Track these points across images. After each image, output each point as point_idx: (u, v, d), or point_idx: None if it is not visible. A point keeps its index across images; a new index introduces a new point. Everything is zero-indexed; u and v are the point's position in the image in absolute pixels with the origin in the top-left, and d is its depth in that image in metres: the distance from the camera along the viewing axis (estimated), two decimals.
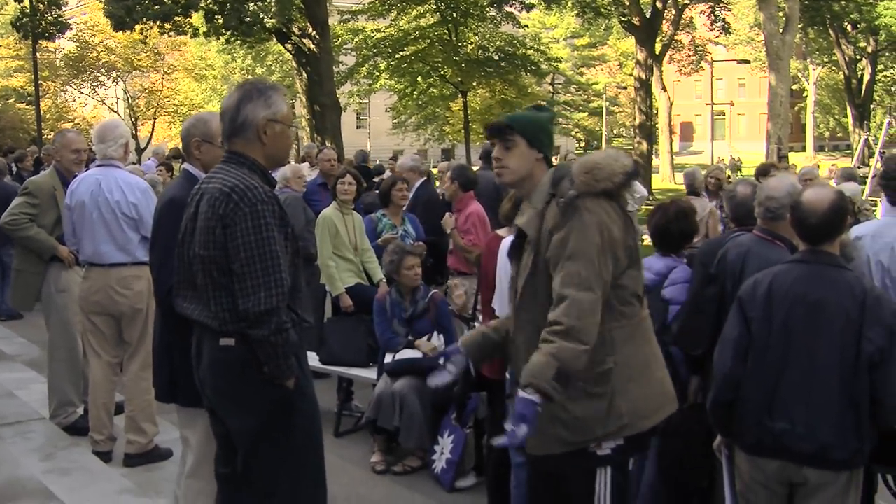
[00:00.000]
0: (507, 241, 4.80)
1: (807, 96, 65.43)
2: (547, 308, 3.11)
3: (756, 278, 3.82)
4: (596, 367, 3.14)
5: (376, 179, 12.31)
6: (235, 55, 46.39)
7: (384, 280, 7.62)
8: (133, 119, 46.95)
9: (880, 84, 51.05)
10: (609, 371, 3.16)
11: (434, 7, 37.55)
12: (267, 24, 25.44)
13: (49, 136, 31.67)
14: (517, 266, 3.38)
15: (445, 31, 38.78)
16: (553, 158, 3.49)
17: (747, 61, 49.85)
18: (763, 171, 10.04)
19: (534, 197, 3.30)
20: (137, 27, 25.92)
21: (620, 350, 3.19)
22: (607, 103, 65.10)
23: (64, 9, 31.59)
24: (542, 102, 4.12)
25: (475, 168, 9.63)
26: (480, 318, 5.45)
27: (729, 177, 22.85)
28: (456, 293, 6.64)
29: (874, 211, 9.91)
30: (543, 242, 3.18)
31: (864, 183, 17.09)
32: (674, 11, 38.34)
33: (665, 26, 38.68)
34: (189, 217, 3.58)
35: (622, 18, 36.28)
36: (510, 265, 3.48)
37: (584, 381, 3.13)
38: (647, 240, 5.52)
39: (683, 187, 10.93)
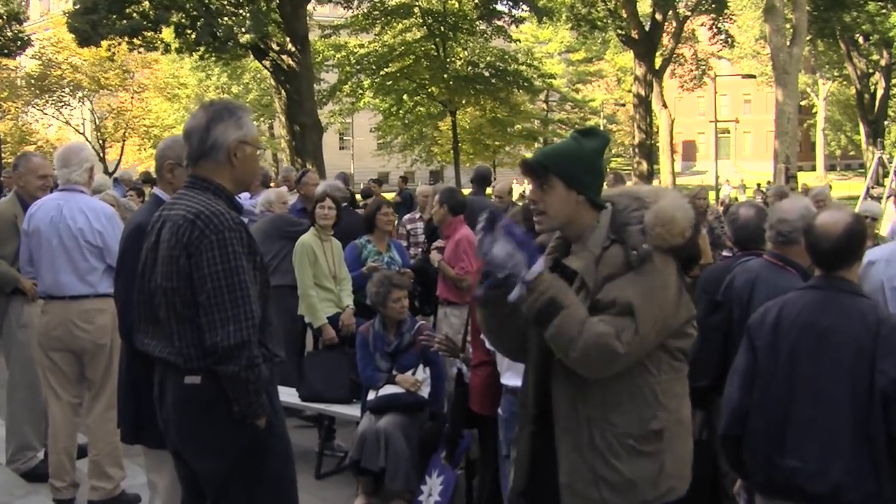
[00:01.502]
0: None
1: (816, 112, 65.87)
2: None
3: (766, 305, 3.80)
4: (647, 425, 3.07)
5: (361, 204, 12.34)
6: (210, 73, 46.59)
7: (351, 307, 7.63)
8: (100, 141, 47.03)
9: (894, 99, 51.38)
10: (662, 430, 3.09)
11: (420, 21, 37.82)
12: (241, 40, 25.52)
13: (9, 161, 31.60)
14: None
15: (432, 46, 38.99)
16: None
17: (753, 76, 50.12)
18: (780, 195, 10.10)
19: (590, 239, 3.13)
20: (104, 43, 26.01)
21: (670, 405, 3.13)
22: (605, 121, 65.38)
23: (25, 24, 31.68)
24: (592, 126, 3.90)
25: (466, 192, 9.63)
26: (470, 350, 5.42)
27: (736, 199, 22.90)
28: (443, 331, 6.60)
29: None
30: (596, 289, 3.05)
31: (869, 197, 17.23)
32: (675, 24, 38.62)
33: (665, 39, 38.97)
34: (150, 247, 3.56)
35: (620, 31, 36.58)
36: None
37: (634, 438, 3.06)
38: None
39: None
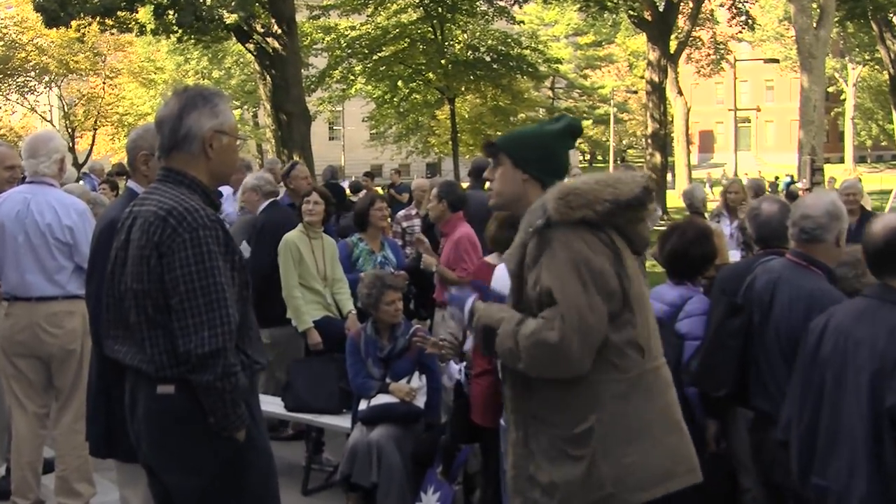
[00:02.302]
0: (501, 269, 4.79)
1: (845, 100, 65.97)
2: None
3: (829, 310, 3.87)
4: (576, 426, 3.12)
5: (354, 199, 12.31)
6: (189, 56, 46.56)
7: (353, 311, 7.61)
8: (70, 130, 47.00)
9: None
10: (590, 430, 3.11)
11: (416, 1, 37.80)
12: (227, 21, 25.50)
13: None
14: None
15: (429, 28, 39.02)
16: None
17: (776, 60, 50.27)
18: (756, 189, 10.19)
19: (524, 223, 3.29)
20: (73, 23, 25.91)
21: (608, 407, 3.13)
22: (615, 110, 65.45)
23: None
24: (564, 114, 4.06)
25: (464, 185, 9.63)
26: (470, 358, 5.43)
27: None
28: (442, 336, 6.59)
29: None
30: (526, 278, 3.22)
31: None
32: (691, 4, 38.61)
33: (681, 21, 38.94)
34: (119, 245, 3.56)
35: (631, 13, 36.53)
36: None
37: (564, 440, 3.14)
38: (653, 264, 5.56)
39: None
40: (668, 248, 5.25)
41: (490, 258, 5.66)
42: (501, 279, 4.44)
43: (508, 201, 3.46)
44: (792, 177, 36.87)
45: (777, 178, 42.93)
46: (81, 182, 14.29)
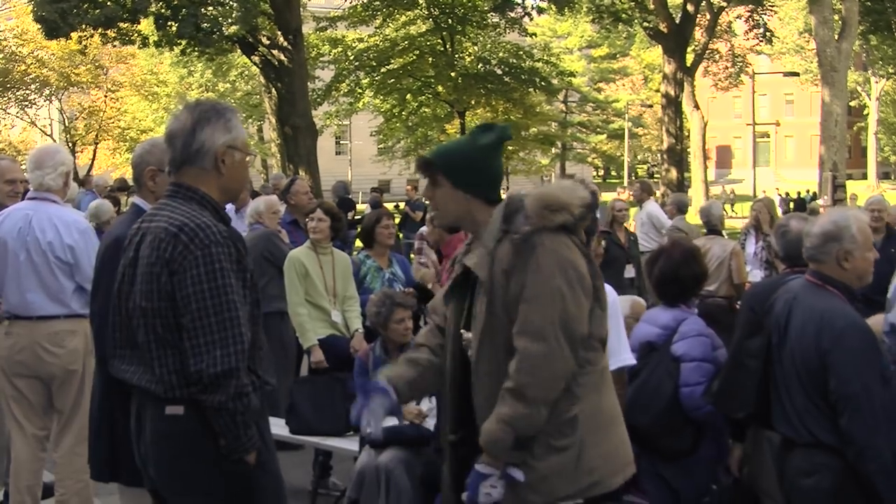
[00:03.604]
0: None
1: (868, 114, 65.83)
2: (508, 358, 3.29)
3: None
4: (559, 417, 3.31)
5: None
6: (192, 69, 46.70)
7: (361, 330, 7.61)
8: (70, 144, 47.18)
9: None
10: (574, 419, 3.33)
11: (426, 12, 37.86)
12: (228, 33, 25.59)
13: None
14: (457, 309, 3.55)
15: (439, 40, 39.06)
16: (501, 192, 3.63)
17: (796, 74, 50.25)
18: (678, 204, 10.32)
19: (484, 235, 3.44)
20: (74, 35, 26.05)
21: (586, 399, 3.37)
22: (630, 124, 65.47)
23: None
24: (490, 122, 4.11)
25: None
26: None
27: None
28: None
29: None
30: (497, 285, 3.34)
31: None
32: (708, 16, 38.66)
33: (698, 33, 39.00)
34: (127, 262, 3.57)
35: (647, 25, 36.61)
36: (444, 307, 3.67)
37: (547, 433, 3.29)
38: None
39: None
40: (657, 272, 5.24)
41: None
42: None
43: (455, 220, 3.57)
44: (813, 193, 36.83)
45: (787, 193, 42.85)
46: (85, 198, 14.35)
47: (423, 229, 10.75)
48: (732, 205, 45.45)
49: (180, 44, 26.30)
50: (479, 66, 40.00)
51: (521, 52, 41.00)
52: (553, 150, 53.99)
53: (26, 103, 46.51)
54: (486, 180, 3.51)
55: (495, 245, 3.38)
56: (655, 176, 48.09)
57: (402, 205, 20.99)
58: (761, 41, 42.26)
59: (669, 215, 12.31)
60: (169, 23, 25.10)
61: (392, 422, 6.30)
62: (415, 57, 39.16)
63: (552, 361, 3.24)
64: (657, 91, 48.02)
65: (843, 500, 4.12)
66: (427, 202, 2.89)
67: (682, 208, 12.48)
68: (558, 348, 3.24)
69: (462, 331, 3.51)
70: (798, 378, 4.27)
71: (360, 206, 25.26)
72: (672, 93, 36.31)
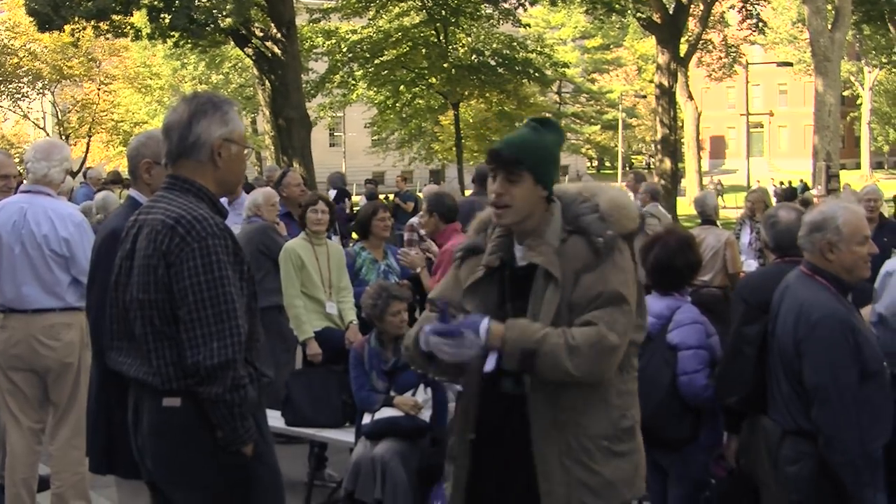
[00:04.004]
0: None
1: (861, 104, 65.96)
2: None
3: None
4: (618, 423, 3.36)
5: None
6: (185, 62, 46.60)
7: (355, 322, 7.62)
8: (64, 137, 46.97)
9: None
10: (632, 427, 3.39)
11: (419, 4, 37.84)
12: (222, 25, 25.54)
13: None
14: (488, 305, 3.42)
15: (433, 31, 39.02)
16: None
17: (789, 64, 50.28)
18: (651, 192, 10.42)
19: (547, 233, 3.38)
20: (67, 27, 25.98)
21: (633, 403, 3.44)
22: (624, 115, 65.49)
23: None
24: (546, 114, 4.02)
25: (468, 193, 9.62)
26: None
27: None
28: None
29: None
30: (567, 285, 3.29)
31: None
32: (702, 6, 38.63)
33: (691, 24, 38.96)
34: (124, 255, 3.57)
35: (640, 15, 36.55)
36: (458, 298, 3.51)
37: (607, 439, 3.32)
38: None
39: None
40: (652, 260, 5.25)
41: None
42: None
43: (526, 217, 3.39)
44: (805, 183, 36.87)
45: (782, 182, 42.91)
46: (82, 189, 14.38)
47: (413, 220, 10.78)
48: (721, 195, 45.42)
49: (173, 36, 26.24)
50: (472, 58, 39.99)
51: (515, 43, 40.97)
52: None
53: (19, 96, 46.39)
54: (554, 175, 3.45)
55: (560, 244, 3.35)
56: (653, 167, 48.06)
57: (391, 196, 21.00)
58: (755, 31, 42.23)
59: (642, 203, 12.34)
60: (162, 15, 25.04)
61: (390, 412, 6.35)
62: (408, 48, 39.13)
63: (611, 359, 3.23)
64: (651, 81, 47.99)
65: (823, 487, 4.16)
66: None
67: (654, 196, 12.54)
68: (621, 350, 3.25)
69: None
70: (782, 364, 4.33)
71: (355, 198, 25.26)
72: (666, 83, 36.23)
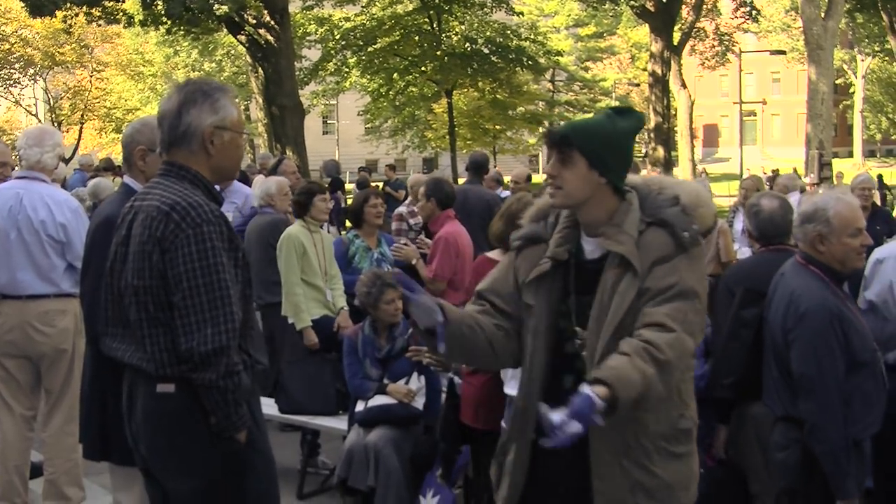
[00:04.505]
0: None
1: (854, 92, 65.91)
2: None
3: None
4: (677, 424, 3.24)
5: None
6: (178, 49, 46.48)
7: (346, 308, 7.62)
8: (56, 124, 46.90)
9: None
10: (690, 429, 3.28)
11: None
12: (218, 12, 25.45)
13: None
14: (550, 301, 3.32)
15: (426, 19, 38.98)
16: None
17: (782, 52, 50.16)
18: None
19: (626, 223, 3.23)
20: (59, 13, 25.93)
21: (691, 404, 3.32)
22: (617, 103, 65.35)
23: None
24: (628, 106, 3.86)
25: (461, 181, 9.63)
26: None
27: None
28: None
29: None
30: (643, 274, 3.17)
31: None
32: None
33: (685, 12, 38.93)
34: (119, 241, 3.57)
35: (633, 3, 36.51)
36: (531, 296, 3.37)
37: (665, 439, 3.20)
38: None
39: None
40: None
41: (492, 254, 5.66)
42: None
43: (579, 202, 3.26)
44: (796, 171, 36.88)
45: (776, 171, 42.83)
46: (76, 175, 14.36)
47: (402, 209, 10.77)
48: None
49: (166, 23, 26.17)
50: (465, 46, 39.93)
51: (508, 32, 40.94)
52: (540, 130, 53.83)
53: (10, 82, 46.25)
54: (621, 165, 3.27)
55: (638, 235, 3.21)
56: (639, 155, 48.07)
57: (381, 185, 21.04)
58: (748, 19, 42.22)
59: None
60: (155, 1, 24.96)
61: (383, 399, 6.36)
62: (401, 36, 39.07)
63: (690, 359, 3.21)
64: (644, 70, 47.96)
65: (811, 474, 4.20)
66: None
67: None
68: (693, 349, 3.18)
69: (577, 329, 3.27)
70: (773, 349, 4.36)
71: (347, 186, 25.25)
72: (659, 71, 36.24)
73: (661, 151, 35.78)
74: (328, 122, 62.41)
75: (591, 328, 3.20)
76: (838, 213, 4.33)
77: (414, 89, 42.65)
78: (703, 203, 3.26)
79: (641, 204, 3.25)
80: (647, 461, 3.16)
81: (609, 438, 3.14)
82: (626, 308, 3.15)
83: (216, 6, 25.24)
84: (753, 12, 41.25)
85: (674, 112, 39.97)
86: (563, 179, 3.23)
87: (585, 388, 2.89)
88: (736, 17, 42.72)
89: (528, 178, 11.84)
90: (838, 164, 35.01)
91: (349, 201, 17.20)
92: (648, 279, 3.14)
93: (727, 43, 45.64)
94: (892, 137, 70.15)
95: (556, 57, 48.56)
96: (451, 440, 5.71)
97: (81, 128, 48.79)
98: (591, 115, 3.71)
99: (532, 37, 44.41)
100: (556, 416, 2.82)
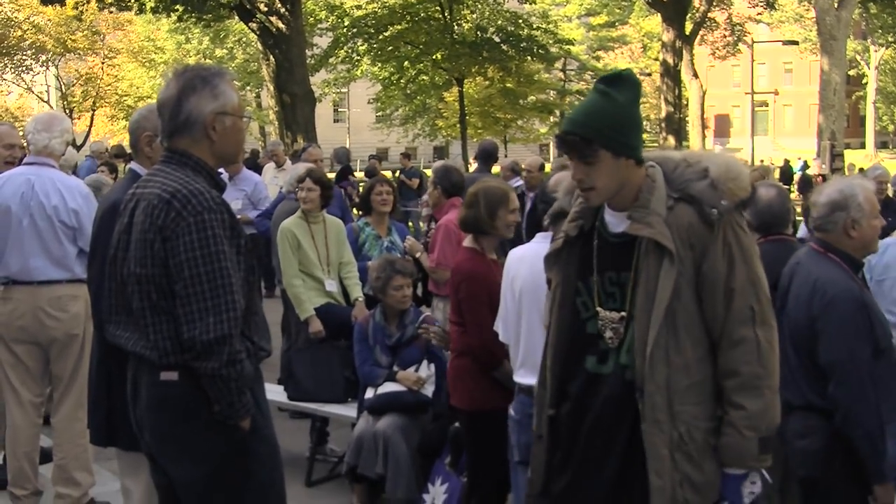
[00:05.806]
0: (527, 251, 4.78)
1: (867, 83, 65.66)
2: (694, 343, 3.10)
3: None
4: (712, 419, 3.14)
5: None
6: (190, 36, 46.53)
7: (361, 298, 7.60)
8: (67, 111, 46.94)
9: None
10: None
11: None
12: (226, 0, 25.46)
13: None
14: (571, 279, 3.27)
15: (437, 7, 38.93)
16: None
17: (795, 42, 49.99)
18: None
19: (652, 202, 3.14)
20: (71, 1, 25.92)
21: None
22: None
23: None
24: (615, 71, 3.67)
25: (472, 168, 9.60)
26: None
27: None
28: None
29: None
30: (685, 259, 3.08)
31: None
32: None
33: (697, 1, 38.85)
34: (122, 228, 3.56)
35: None
36: (551, 272, 3.34)
37: (711, 434, 3.13)
38: None
39: None
40: None
41: (466, 241, 5.59)
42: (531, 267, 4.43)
43: (615, 192, 3.16)
44: (805, 161, 36.79)
45: (787, 161, 42.74)
46: (85, 162, 14.37)
47: (426, 196, 10.69)
48: None
49: (177, 10, 26.20)
50: (477, 34, 39.91)
51: (520, 21, 40.88)
52: (552, 119, 53.82)
53: (22, 69, 46.25)
54: (638, 139, 3.19)
55: (667, 212, 3.11)
56: (652, 144, 48.02)
57: (396, 173, 20.99)
58: (765, 8, 42.07)
59: None
60: None
61: (393, 387, 6.35)
62: (413, 24, 39.04)
63: (776, 346, 3.13)
64: (656, 60, 47.86)
65: (833, 462, 4.19)
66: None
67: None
68: (776, 332, 3.12)
69: (599, 309, 3.19)
70: (792, 342, 4.33)
71: (357, 175, 25.27)
72: (671, 61, 36.18)
73: (672, 141, 35.73)
74: (339, 110, 62.42)
75: (639, 317, 3.10)
76: (867, 197, 4.34)
77: (425, 78, 42.64)
78: (734, 176, 3.10)
79: (667, 178, 3.16)
80: (697, 454, 3.09)
81: (663, 432, 3.08)
82: (670, 292, 3.07)
83: None
84: (766, 2, 41.10)
85: (685, 102, 39.89)
86: (592, 179, 3.13)
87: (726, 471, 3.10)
88: (750, 6, 42.56)
89: (542, 166, 11.79)
90: (850, 155, 34.92)
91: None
92: (695, 269, 3.08)
93: (739, 33, 45.51)
94: None
95: (568, 46, 48.49)
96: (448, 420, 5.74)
97: (93, 115, 48.81)
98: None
99: (543, 26, 44.32)
100: None
